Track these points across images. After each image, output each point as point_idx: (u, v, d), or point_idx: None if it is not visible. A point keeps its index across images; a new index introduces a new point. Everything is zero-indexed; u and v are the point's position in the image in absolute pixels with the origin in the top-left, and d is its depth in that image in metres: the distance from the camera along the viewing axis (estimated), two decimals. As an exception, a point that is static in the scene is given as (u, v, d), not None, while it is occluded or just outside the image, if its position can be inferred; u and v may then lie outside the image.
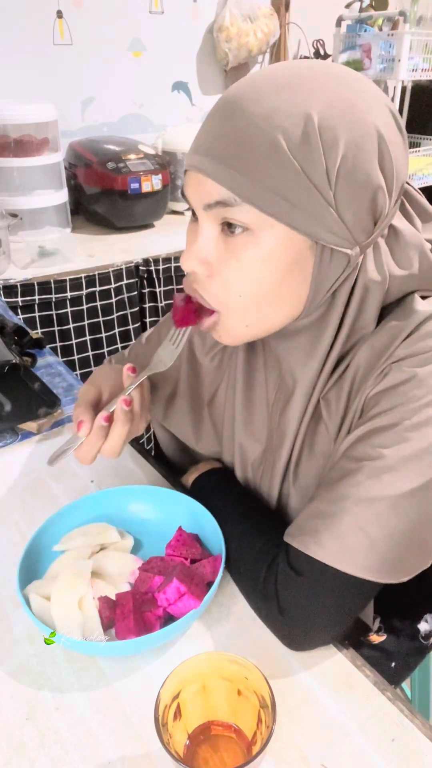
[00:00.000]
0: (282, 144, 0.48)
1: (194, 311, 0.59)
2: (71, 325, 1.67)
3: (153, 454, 0.91)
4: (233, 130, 0.50)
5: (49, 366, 1.15)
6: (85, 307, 1.68)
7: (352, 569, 0.53)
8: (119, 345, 1.76)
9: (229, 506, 0.69)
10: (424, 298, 0.58)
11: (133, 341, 1.76)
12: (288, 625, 0.58)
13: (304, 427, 0.63)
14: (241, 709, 0.50)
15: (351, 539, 0.53)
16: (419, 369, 0.54)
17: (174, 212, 2.22)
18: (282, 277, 0.53)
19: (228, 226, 0.53)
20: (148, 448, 0.93)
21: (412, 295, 0.57)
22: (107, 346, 1.74)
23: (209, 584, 0.62)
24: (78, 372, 1.71)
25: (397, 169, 0.52)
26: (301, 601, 0.56)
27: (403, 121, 0.54)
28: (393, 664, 0.76)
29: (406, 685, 1.22)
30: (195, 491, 0.74)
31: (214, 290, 0.56)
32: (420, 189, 0.62)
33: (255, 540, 0.63)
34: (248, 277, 0.54)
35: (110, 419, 0.63)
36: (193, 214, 0.57)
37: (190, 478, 0.77)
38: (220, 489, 0.72)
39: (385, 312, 0.58)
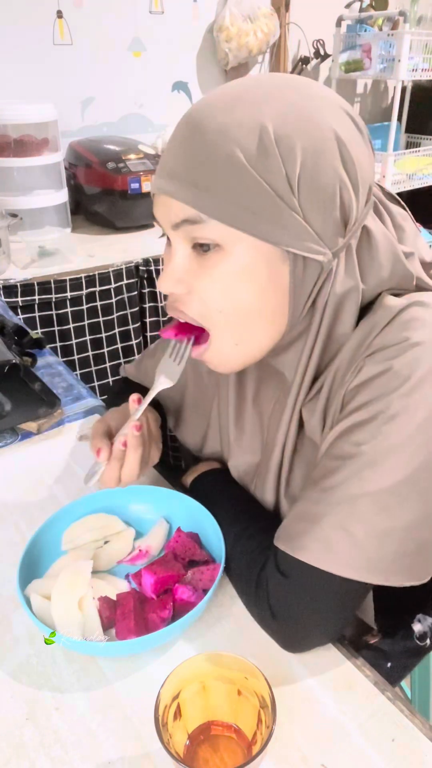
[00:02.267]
0: (239, 157, 0.49)
1: (185, 324, 0.60)
2: (71, 325, 1.67)
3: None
4: (191, 150, 0.51)
5: (49, 366, 1.15)
6: (85, 307, 1.68)
7: (337, 569, 0.53)
8: (119, 345, 1.76)
9: (225, 508, 0.69)
10: (396, 296, 0.58)
11: (133, 341, 1.77)
12: (281, 628, 0.58)
13: (292, 437, 0.63)
14: (241, 709, 0.50)
15: (334, 539, 0.53)
16: (393, 360, 0.53)
17: (174, 212, 2.22)
18: (258, 289, 0.54)
19: (200, 246, 0.54)
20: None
21: (383, 294, 0.58)
22: (107, 346, 1.74)
23: (206, 591, 0.62)
24: (78, 372, 1.71)
25: (361, 168, 0.52)
26: (291, 604, 0.56)
27: (362, 121, 0.54)
28: (389, 665, 0.76)
29: (406, 685, 1.22)
30: (193, 492, 0.74)
31: (196, 308, 0.57)
32: (420, 189, 0.62)
33: (249, 543, 0.63)
34: (224, 292, 0.54)
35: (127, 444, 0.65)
36: (168, 237, 0.58)
37: (188, 479, 0.77)
38: (217, 490, 0.72)
39: (360, 314, 0.59)
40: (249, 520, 0.66)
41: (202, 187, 0.50)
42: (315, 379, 0.61)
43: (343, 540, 0.53)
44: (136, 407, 0.66)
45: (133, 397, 0.66)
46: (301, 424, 0.63)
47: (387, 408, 0.52)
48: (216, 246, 0.53)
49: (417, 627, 0.78)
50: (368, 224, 0.57)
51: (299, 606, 0.56)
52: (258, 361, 0.61)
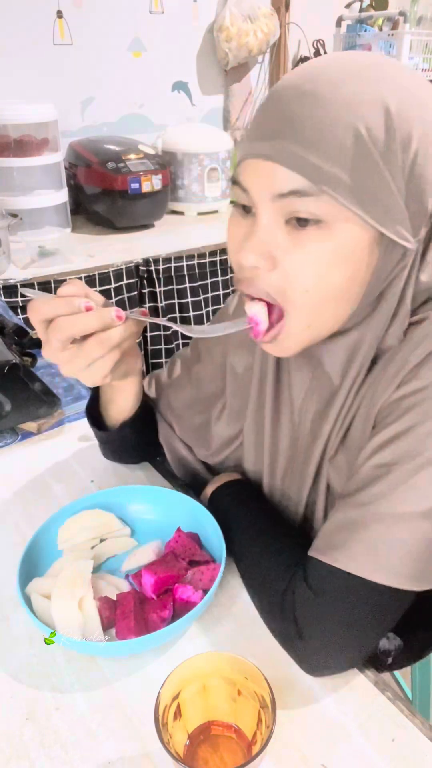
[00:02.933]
0: (364, 135, 0.47)
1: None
2: (71, 325, 1.67)
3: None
4: (311, 117, 0.47)
5: (49, 366, 1.15)
6: (85, 307, 1.68)
7: (387, 579, 0.51)
8: (119, 345, 1.76)
9: (248, 522, 0.66)
10: None
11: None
12: (309, 650, 0.55)
13: (338, 428, 0.61)
14: (241, 709, 0.50)
15: (383, 548, 0.51)
16: None
17: (174, 212, 2.22)
18: (351, 271, 0.51)
19: (297, 220, 0.50)
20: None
21: None
22: (107, 346, 1.74)
23: (206, 591, 0.61)
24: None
25: None
26: (322, 622, 0.54)
27: None
28: None
29: (406, 685, 1.22)
30: (213, 505, 0.71)
31: (276, 284, 0.52)
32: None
33: (272, 559, 0.61)
34: (318, 272, 0.51)
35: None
36: (242, 207, 0.54)
37: (208, 491, 0.74)
38: (238, 503, 0.70)
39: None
40: (273, 535, 0.64)
41: (321, 158, 0.47)
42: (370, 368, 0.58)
43: (392, 549, 0.51)
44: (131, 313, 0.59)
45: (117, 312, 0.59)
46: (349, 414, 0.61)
47: None
48: (317, 222, 0.49)
49: (383, 643, 0.76)
50: None
51: (330, 625, 0.53)
52: None
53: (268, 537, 0.64)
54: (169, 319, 1.83)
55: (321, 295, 0.52)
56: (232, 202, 0.56)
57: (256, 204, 0.52)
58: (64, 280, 1.61)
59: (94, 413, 0.79)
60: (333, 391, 0.61)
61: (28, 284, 1.58)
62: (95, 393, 0.79)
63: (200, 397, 0.79)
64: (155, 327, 1.84)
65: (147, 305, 1.81)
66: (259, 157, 0.50)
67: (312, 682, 0.55)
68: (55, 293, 0.61)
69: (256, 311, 0.55)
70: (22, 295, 1.58)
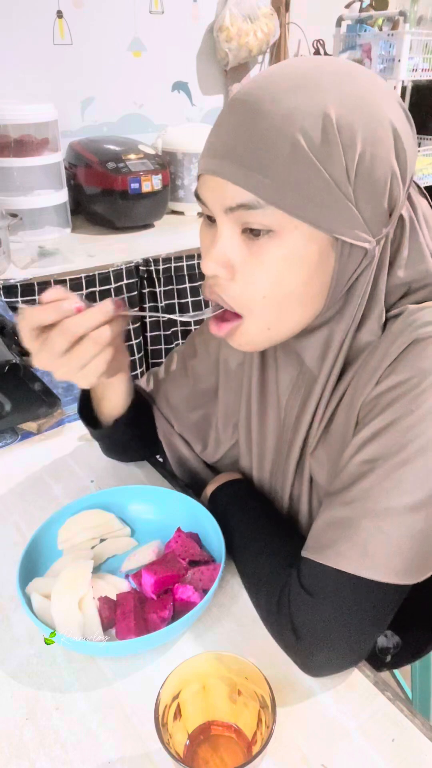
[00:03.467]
0: (302, 144, 0.49)
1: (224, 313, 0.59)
2: (71, 325, 1.67)
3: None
4: (252, 132, 0.50)
5: (49, 366, 1.15)
6: (85, 307, 1.68)
7: (376, 574, 0.51)
8: (119, 345, 1.76)
9: (246, 522, 0.67)
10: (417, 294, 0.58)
11: (133, 341, 1.76)
12: (307, 651, 0.55)
13: (318, 420, 0.62)
14: (241, 709, 0.50)
15: (372, 544, 0.51)
16: (420, 366, 0.53)
17: (174, 212, 2.22)
18: (306, 276, 0.53)
19: (250, 231, 0.53)
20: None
21: (409, 297, 0.57)
22: (107, 346, 1.74)
23: (206, 591, 0.61)
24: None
25: (410, 160, 0.53)
26: (316, 623, 0.54)
27: (409, 113, 0.54)
28: None
29: (406, 685, 1.22)
30: (213, 504, 0.72)
31: (237, 293, 0.55)
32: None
33: (270, 559, 0.61)
34: (273, 278, 0.53)
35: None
36: (207, 217, 0.56)
37: (208, 490, 0.75)
38: (237, 503, 0.70)
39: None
40: (271, 536, 0.64)
41: (264, 173, 0.49)
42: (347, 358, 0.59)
43: (380, 544, 0.51)
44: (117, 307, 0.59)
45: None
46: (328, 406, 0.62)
47: (417, 408, 0.51)
48: (269, 232, 0.52)
49: (381, 640, 0.76)
50: (402, 210, 0.56)
51: (326, 624, 0.53)
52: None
53: (266, 537, 0.64)
54: (170, 320, 1.83)
55: (278, 300, 0.54)
56: (198, 213, 0.57)
57: (214, 216, 0.55)
58: (64, 281, 1.61)
59: (87, 412, 0.79)
60: (313, 385, 0.63)
61: (28, 284, 1.58)
62: (85, 392, 0.79)
63: (197, 392, 0.80)
64: (155, 327, 1.84)
65: (147, 305, 1.81)
66: (209, 173, 0.53)
67: (312, 682, 0.55)
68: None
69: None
70: (23, 295, 1.58)
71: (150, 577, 0.61)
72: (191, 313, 0.61)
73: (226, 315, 0.58)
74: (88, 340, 0.57)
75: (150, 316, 0.61)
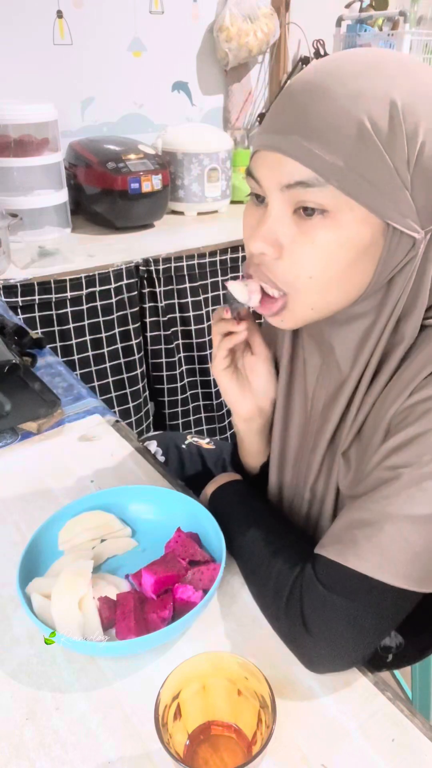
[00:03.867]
0: (368, 127, 0.49)
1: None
2: (71, 325, 1.67)
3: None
4: (317, 111, 0.50)
5: (49, 366, 1.15)
6: (85, 307, 1.68)
7: (395, 579, 0.51)
8: (119, 345, 1.76)
9: (248, 521, 0.66)
10: None
11: (133, 341, 1.77)
12: (314, 646, 0.55)
13: (351, 419, 0.61)
14: (241, 709, 0.50)
15: (393, 549, 0.51)
16: None
17: (174, 212, 2.22)
18: (354, 259, 0.53)
19: (304, 210, 0.52)
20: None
21: None
22: (107, 346, 1.74)
23: (206, 591, 0.61)
24: (78, 372, 1.71)
25: None
26: (330, 618, 0.54)
27: None
28: None
29: (406, 685, 1.22)
30: (214, 504, 0.72)
31: (283, 271, 0.55)
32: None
33: (277, 556, 0.61)
34: (322, 259, 0.53)
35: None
36: (256, 197, 0.56)
37: (208, 491, 0.75)
38: (239, 502, 0.71)
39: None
40: (277, 533, 0.64)
41: (327, 151, 0.49)
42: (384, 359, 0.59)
43: (402, 550, 0.51)
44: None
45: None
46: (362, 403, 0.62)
47: None
48: (323, 212, 0.52)
49: (385, 640, 0.76)
50: None
51: (337, 620, 0.53)
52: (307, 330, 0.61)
53: (269, 535, 0.64)
54: (170, 320, 1.84)
55: (324, 281, 0.54)
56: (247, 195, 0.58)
57: (266, 194, 0.54)
58: (64, 280, 1.61)
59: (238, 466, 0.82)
60: (342, 379, 0.62)
61: (28, 284, 1.58)
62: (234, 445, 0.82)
63: None
64: (155, 327, 1.84)
65: (147, 305, 1.81)
66: (269, 149, 0.53)
67: (312, 682, 0.55)
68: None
69: (234, 289, 0.60)
70: (22, 295, 1.58)
71: (150, 577, 0.61)
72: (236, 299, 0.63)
73: (267, 297, 0.59)
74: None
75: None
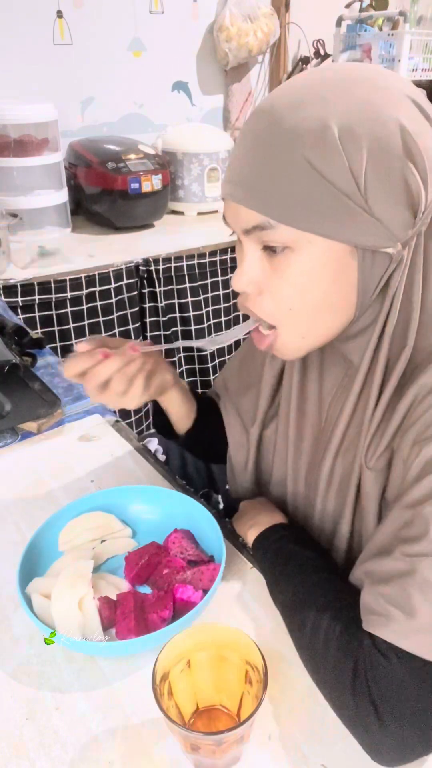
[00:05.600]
0: (304, 160, 0.49)
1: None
2: (71, 325, 1.67)
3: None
4: (258, 156, 0.52)
5: (49, 366, 1.15)
6: (85, 307, 1.68)
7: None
8: (119, 345, 1.76)
9: (302, 578, 0.60)
10: None
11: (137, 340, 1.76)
12: (391, 733, 0.47)
13: (373, 428, 0.59)
14: (228, 678, 0.50)
15: (428, 617, 0.47)
16: None
17: (174, 212, 2.22)
18: (328, 286, 0.54)
19: (270, 248, 0.54)
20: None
21: None
22: (107, 346, 1.74)
23: (206, 591, 0.61)
24: (78, 372, 1.71)
25: (429, 157, 0.51)
26: (401, 696, 0.47)
27: (430, 106, 0.53)
28: None
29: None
30: (259, 551, 0.66)
31: (266, 307, 0.58)
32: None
33: (334, 622, 0.53)
34: (295, 291, 0.55)
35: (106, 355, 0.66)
36: (239, 237, 0.58)
37: (249, 533, 0.69)
38: (288, 553, 0.64)
39: None
40: (331, 592, 0.57)
41: (270, 194, 0.51)
42: (387, 372, 0.58)
43: None
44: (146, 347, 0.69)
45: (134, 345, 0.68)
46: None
47: None
48: (286, 248, 0.53)
49: None
50: None
51: (410, 699, 0.47)
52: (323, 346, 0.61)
53: (327, 595, 0.57)
54: (170, 320, 1.84)
55: (305, 310, 0.56)
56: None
57: (238, 236, 0.57)
58: (64, 280, 1.61)
59: (163, 425, 0.85)
60: (358, 390, 0.61)
61: (28, 284, 1.58)
62: (156, 409, 0.84)
63: (247, 380, 0.82)
64: (155, 327, 1.84)
65: (147, 305, 1.81)
66: (226, 198, 0.56)
67: (312, 682, 0.55)
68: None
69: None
70: (22, 295, 1.58)
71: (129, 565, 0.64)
72: (234, 331, 0.66)
73: (260, 329, 0.61)
74: (117, 377, 0.66)
75: (170, 347, 0.64)
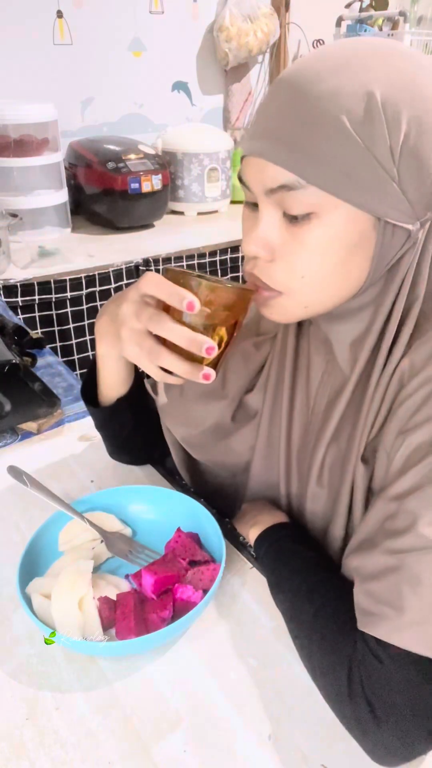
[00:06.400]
0: (346, 123, 0.48)
1: None
2: (71, 325, 1.67)
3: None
4: (295, 113, 0.50)
5: (49, 366, 1.15)
6: (85, 307, 1.68)
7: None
8: (119, 345, 1.76)
9: (301, 577, 0.59)
10: None
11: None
12: (386, 733, 0.47)
13: (364, 415, 0.58)
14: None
15: (419, 612, 0.47)
16: None
17: (174, 212, 2.22)
18: (346, 256, 0.53)
19: (290, 215, 0.52)
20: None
21: None
22: (107, 346, 1.74)
23: (206, 591, 0.61)
24: (78, 372, 1.71)
25: None
26: (394, 697, 0.47)
27: None
28: None
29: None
30: (260, 550, 0.66)
31: (277, 274, 0.55)
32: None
33: (329, 623, 0.53)
34: (313, 259, 0.53)
35: None
36: (251, 203, 0.57)
37: (250, 532, 0.68)
38: (288, 552, 0.63)
39: None
40: (330, 592, 0.56)
41: (305, 152, 0.49)
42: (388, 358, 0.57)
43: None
44: None
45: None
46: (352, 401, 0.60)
47: None
48: (309, 213, 0.51)
49: None
50: None
51: (405, 697, 0.46)
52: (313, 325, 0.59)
53: (324, 595, 0.57)
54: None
55: (317, 280, 0.54)
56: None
57: (256, 199, 0.55)
58: (64, 280, 1.61)
59: (90, 394, 0.77)
60: (344, 378, 0.61)
61: (28, 284, 1.58)
62: (92, 372, 0.76)
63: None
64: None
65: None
66: (251, 154, 0.53)
67: (312, 683, 0.55)
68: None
69: None
70: (22, 295, 1.58)
71: (150, 577, 0.61)
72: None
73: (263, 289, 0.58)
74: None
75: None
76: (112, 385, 0.74)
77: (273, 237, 0.54)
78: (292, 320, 0.60)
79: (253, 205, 0.56)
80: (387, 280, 0.56)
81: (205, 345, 0.54)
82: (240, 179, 0.56)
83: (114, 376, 0.73)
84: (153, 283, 0.55)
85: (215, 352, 0.54)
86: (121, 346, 0.60)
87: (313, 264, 0.53)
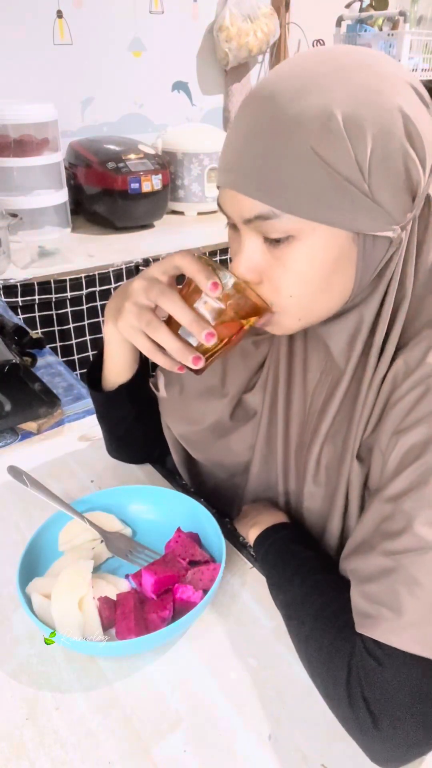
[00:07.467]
0: (310, 148, 0.49)
1: None
2: (71, 325, 1.67)
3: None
4: (261, 143, 0.51)
5: (49, 366, 1.15)
6: (85, 307, 1.68)
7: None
8: (119, 345, 1.76)
9: (301, 578, 0.59)
10: None
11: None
12: (384, 734, 0.46)
13: (357, 421, 0.59)
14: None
15: (416, 613, 0.47)
16: None
17: (174, 212, 2.22)
18: (331, 272, 0.54)
19: (271, 239, 0.54)
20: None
21: None
22: (107, 346, 1.74)
23: (206, 591, 0.61)
24: (78, 372, 1.71)
25: (428, 142, 0.52)
26: (393, 698, 0.46)
27: (426, 93, 0.53)
28: None
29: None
30: (260, 550, 0.66)
31: (266, 294, 0.57)
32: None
33: (329, 624, 0.53)
34: (297, 279, 0.55)
35: None
36: (233, 225, 0.57)
37: (250, 532, 0.68)
38: (288, 552, 0.63)
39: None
40: (329, 593, 0.56)
41: (274, 183, 0.50)
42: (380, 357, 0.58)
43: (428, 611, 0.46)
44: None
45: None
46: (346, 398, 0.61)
47: None
48: (288, 237, 0.53)
49: None
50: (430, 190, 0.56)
51: (403, 698, 0.46)
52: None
53: (325, 595, 0.57)
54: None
55: (306, 296, 0.56)
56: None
57: (237, 225, 0.56)
58: (64, 280, 1.62)
59: (93, 379, 0.77)
60: (340, 376, 0.62)
61: (28, 284, 1.58)
62: (98, 356, 0.77)
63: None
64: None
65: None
66: (225, 187, 0.54)
67: (311, 682, 0.55)
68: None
69: None
70: (22, 295, 1.58)
71: (150, 577, 0.61)
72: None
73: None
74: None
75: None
76: (116, 371, 0.75)
77: (257, 261, 0.55)
78: (290, 332, 0.62)
79: (235, 228, 0.57)
80: (375, 283, 0.57)
81: (206, 330, 0.56)
82: (219, 206, 0.57)
83: (118, 358, 0.73)
84: (187, 259, 0.58)
85: (213, 341, 0.56)
86: (120, 320, 0.61)
87: (299, 284, 0.55)
